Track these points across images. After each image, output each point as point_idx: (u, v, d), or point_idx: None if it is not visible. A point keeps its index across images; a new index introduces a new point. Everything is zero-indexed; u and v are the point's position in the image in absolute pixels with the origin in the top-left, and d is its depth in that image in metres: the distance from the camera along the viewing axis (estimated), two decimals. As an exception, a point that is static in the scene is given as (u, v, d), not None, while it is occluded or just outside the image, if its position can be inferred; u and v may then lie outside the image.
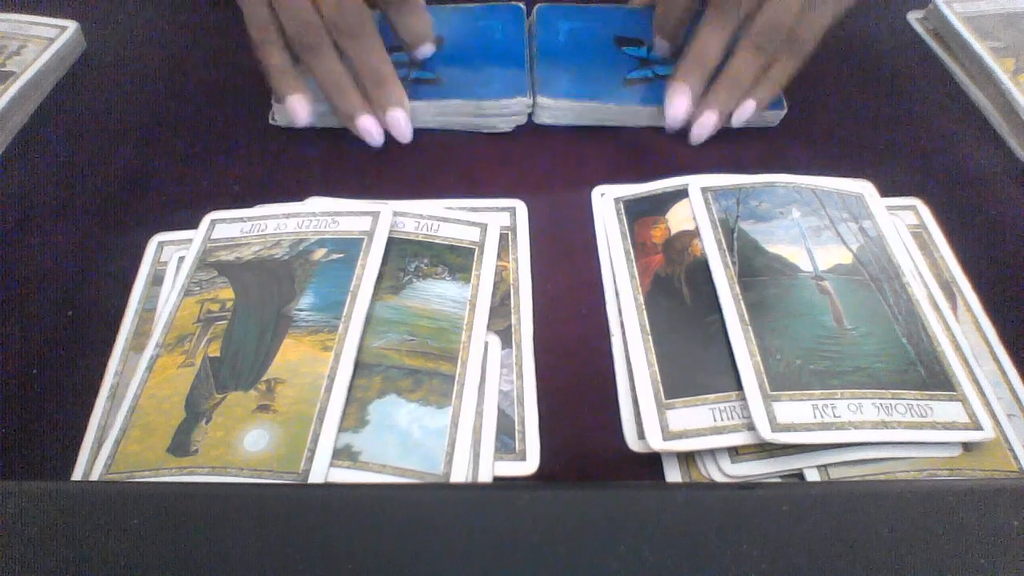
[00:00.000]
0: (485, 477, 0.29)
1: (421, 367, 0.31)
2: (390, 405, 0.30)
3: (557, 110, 0.43)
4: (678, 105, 0.39)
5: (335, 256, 0.35)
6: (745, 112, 0.40)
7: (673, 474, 0.30)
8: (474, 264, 0.35)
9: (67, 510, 0.21)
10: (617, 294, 0.35)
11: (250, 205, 0.38)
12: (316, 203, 0.38)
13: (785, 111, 0.43)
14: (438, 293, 0.34)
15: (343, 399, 0.30)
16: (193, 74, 0.49)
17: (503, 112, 0.42)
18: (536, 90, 0.42)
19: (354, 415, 0.30)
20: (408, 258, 0.36)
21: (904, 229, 0.37)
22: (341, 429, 0.29)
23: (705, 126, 0.40)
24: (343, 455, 0.29)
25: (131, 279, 0.36)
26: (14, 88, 0.43)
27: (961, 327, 0.34)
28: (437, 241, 0.36)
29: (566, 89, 0.43)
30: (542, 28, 0.47)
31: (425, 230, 0.37)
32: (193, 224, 0.37)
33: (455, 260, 0.36)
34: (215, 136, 0.44)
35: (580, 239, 0.38)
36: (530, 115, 0.43)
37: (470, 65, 0.44)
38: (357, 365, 0.31)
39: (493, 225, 0.37)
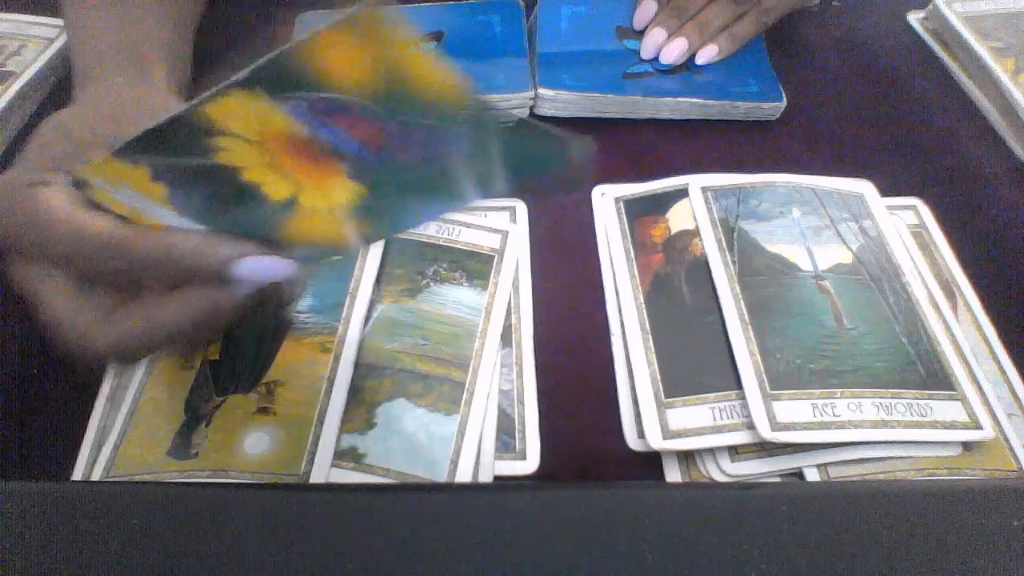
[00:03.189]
0: (485, 476, 0.29)
1: (432, 372, 0.31)
2: (398, 409, 0.30)
3: (558, 102, 0.43)
4: (656, 35, 0.45)
5: (334, 257, 0.35)
6: (707, 54, 0.44)
7: (673, 473, 0.30)
8: (492, 271, 0.35)
9: (67, 510, 0.21)
10: (617, 293, 0.35)
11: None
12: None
13: (784, 105, 0.43)
14: (455, 299, 0.34)
15: (343, 401, 0.30)
16: (192, 73, 0.49)
17: (505, 106, 0.42)
18: (537, 82, 0.43)
19: (361, 417, 0.30)
20: (427, 262, 0.35)
21: (904, 229, 0.37)
22: (347, 430, 0.29)
23: (673, 50, 0.44)
24: (348, 456, 0.29)
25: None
26: (14, 88, 0.43)
27: (961, 327, 0.34)
28: (457, 246, 0.36)
29: (567, 81, 0.43)
30: (544, 12, 0.47)
31: (446, 234, 0.37)
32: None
33: (474, 266, 0.35)
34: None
35: (580, 239, 0.38)
36: (531, 108, 0.43)
37: (471, 60, 0.44)
38: (368, 366, 0.31)
39: (514, 232, 0.37)
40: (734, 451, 0.30)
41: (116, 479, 0.28)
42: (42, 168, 0.27)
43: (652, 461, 0.30)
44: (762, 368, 0.30)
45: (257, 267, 0.25)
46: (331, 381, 0.30)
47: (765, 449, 0.29)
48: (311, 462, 0.28)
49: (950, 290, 0.35)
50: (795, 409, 0.29)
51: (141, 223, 0.26)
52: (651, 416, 0.30)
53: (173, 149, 0.23)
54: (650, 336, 0.33)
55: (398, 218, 0.28)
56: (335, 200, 0.24)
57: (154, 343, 0.26)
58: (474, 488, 0.27)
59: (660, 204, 0.38)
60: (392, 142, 0.22)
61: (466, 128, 0.22)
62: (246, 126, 0.22)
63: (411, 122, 0.21)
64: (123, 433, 0.30)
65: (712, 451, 0.30)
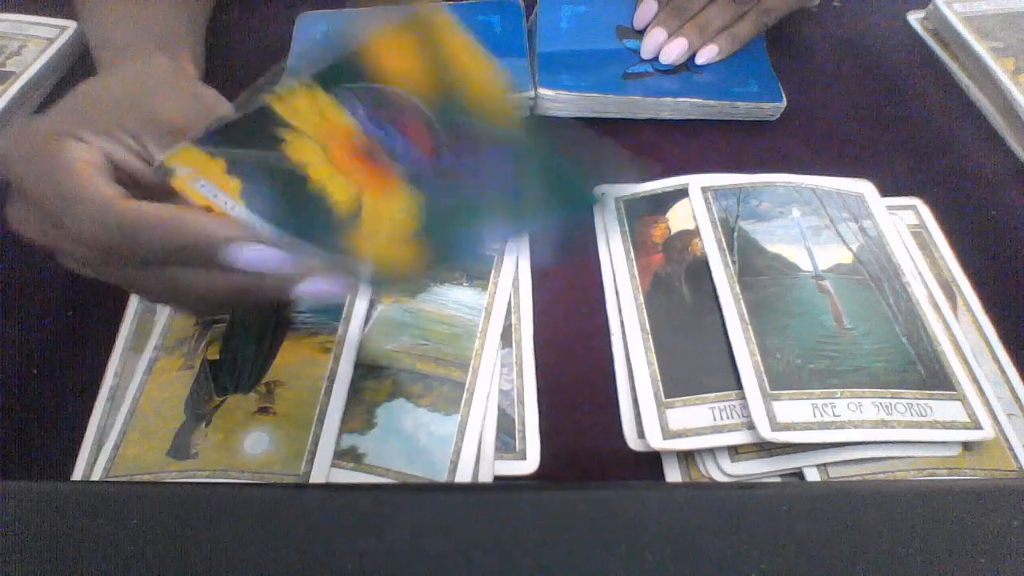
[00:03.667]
0: (485, 476, 0.29)
1: (432, 372, 0.31)
2: (398, 409, 0.30)
3: (558, 102, 0.43)
4: (656, 35, 0.44)
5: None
6: (707, 54, 0.44)
7: (673, 473, 0.30)
8: (492, 271, 0.35)
9: (67, 510, 0.21)
10: (617, 293, 0.35)
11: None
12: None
13: (784, 105, 0.43)
14: (455, 299, 0.34)
15: (343, 401, 0.30)
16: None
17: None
18: (537, 82, 0.43)
19: (361, 417, 0.30)
20: None
21: (904, 229, 0.37)
22: (347, 430, 0.29)
23: (673, 50, 0.44)
24: (348, 456, 0.29)
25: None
26: (14, 88, 0.43)
27: (961, 327, 0.34)
28: None
29: (567, 81, 0.43)
30: (545, 12, 0.47)
31: None
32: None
33: (475, 266, 0.35)
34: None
35: (580, 239, 0.38)
36: (531, 108, 0.43)
37: None
38: (367, 366, 0.31)
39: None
40: (734, 451, 0.30)
41: (116, 479, 0.28)
42: (79, 120, 0.27)
43: (652, 461, 0.30)
44: (762, 368, 0.30)
45: (256, 256, 0.25)
46: (331, 381, 0.30)
47: (765, 449, 0.29)
48: (311, 462, 0.28)
49: (950, 290, 0.35)
50: (795, 409, 0.29)
51: (221, 215, 0.26)
52: (651, 416, 0.30)
53: (245, 139, 0.23)
54: (650, 336, 0.33)
55: (457, 244, 0.26)
56: (396, 212, 0.24)
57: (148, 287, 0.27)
58: (474, 488, 0.27)
59: (660, 204, 0.38)
60: (446, 152, 0.23)
61: (519, 146, 0.22)
62: (309, 121, 0.22)
63: (465, 131, 0.22)
64: (123, 433, 0.30)
65: (712, 451, 0.30)
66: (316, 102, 0.22)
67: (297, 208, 0.25)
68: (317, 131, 0.23)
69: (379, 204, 0.24)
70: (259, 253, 0.25)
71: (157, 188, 0.26)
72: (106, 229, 0.24)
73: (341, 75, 0.21)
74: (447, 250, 0.26)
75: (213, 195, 0.25)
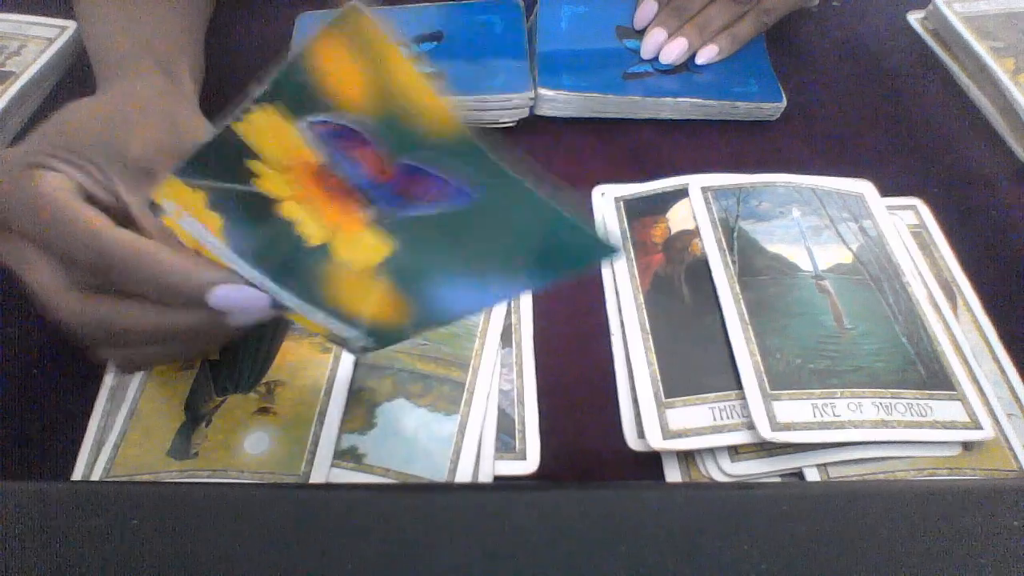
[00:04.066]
0: (485, 476, 0.29)
1: (432, 372, 0.31)
2: (398, 409, 0.30)
3: (558, 102, 0.43)
4: (656, 35, 0.44)
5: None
6: (707, 54, 0.44)
7: (673, 473, 0.30)
8: None
9: (67, 510, 0.21)
10: (617, 293, 0.35)
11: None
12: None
13: (784, 105, 0.43)
14: None
15: (343, 400, 0.30)
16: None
17: (505, 106, 0.42)
18: (537, 82, 0.43)
19: (361, 417, 0.30)
20: None
21: (904, 229, 0.37)
22: (347, 430, 0.29)
23: (673, 50, 0.44)
24: (348, 456, 0.29)
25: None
26: (14, 88, 0.43)
27: (961, 327, 0.34)
28: None
29: (567, 81, 0.43)
30: (545, 12, 0.47)
31: None
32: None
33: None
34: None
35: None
36: (531, 108, 0.43)
37: (471, 60, 0.44)
38: (368, 366, 0.31)
39: None
40: (734, 451, 0.30)
41: (116, 479, 0.28)
42: (47, 151, 0.27)
43: (652, 461, 0.30)
44: (762, 368, 0.30)
45: (234, 296, 0.25)
46: (331, 381, 0.30)
47: (765, 449, 0.29)
48: (311, 462, 0.28)
49: (950, 290, 0.35)
50: (795, 409, 0.29)
51: (207, 257, 0.25)
52: (651, 416, 0.30)
53: (216, 171, 0.22)
54: (650, 336, 0.33)
55: (434, 294, 0.24)
56: (365, 252, 0.23)
57: (120, 340, 0.27)
58: (474, 488, 0.27)
59: (660, 204, 0.38)
60: (402, 181, 0.20)
61: (475, 175, 0.19)
62: (275, 150, 0.21)
63: (417, 156, 0.19)
64: (123, 433, 0.30)
65: (712, 451, 0.30)
66: (274, 121, 0.20)
67: (275, 249, 0.24)
68: (279, 155, 0.21)
69: (348, 247, 0.23)
70: (240, 293, 0.25)
71: (124, 219, 0.27)
72: (97, 254, 0.25)
73: (291, 87, 0.19)
74: (427, 306, 0.24)
75: (199, 235, 0.25)
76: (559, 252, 0.20)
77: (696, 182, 0.38)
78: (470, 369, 0.31)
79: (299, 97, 0.19)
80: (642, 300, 0.34)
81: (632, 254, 0.36)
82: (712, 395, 0.30)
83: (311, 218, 0.23)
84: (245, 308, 0.26)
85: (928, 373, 0.31)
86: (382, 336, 0.27)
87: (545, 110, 0.43)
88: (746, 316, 0.32)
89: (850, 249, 0.35)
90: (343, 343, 0.28)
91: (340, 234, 0.23)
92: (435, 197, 0.20)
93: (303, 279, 0.25)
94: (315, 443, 0.29)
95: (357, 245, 0.23)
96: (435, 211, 0.21)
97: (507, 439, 0.30)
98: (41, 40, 0.47)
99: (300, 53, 0.18)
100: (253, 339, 0.32)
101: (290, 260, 0.24)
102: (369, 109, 0.19)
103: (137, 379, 0.31)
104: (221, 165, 0.22)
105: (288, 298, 0.25)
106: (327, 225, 0.23)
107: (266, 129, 0.20)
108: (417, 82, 0.18)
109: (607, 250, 0.20)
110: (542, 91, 0.42)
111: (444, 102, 0.18)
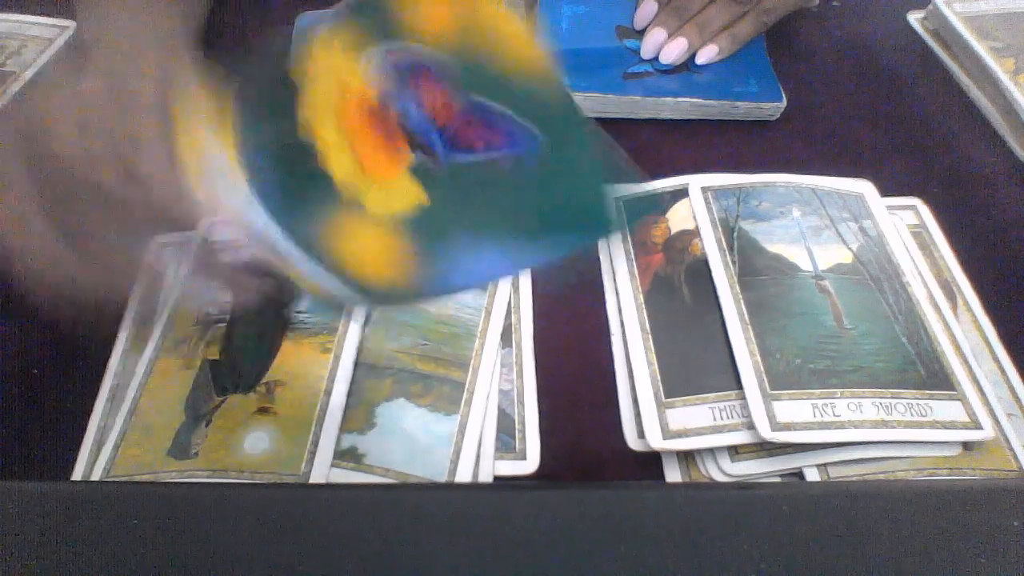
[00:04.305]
0: (485, 476, 0.29)
1: (432, 372, 0.31)
2: (398, 409, 0.30)
3: None
4: (656, 35, 0.44)
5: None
6: (707, 54, 0.44)
7: (673, 473, 0.30)
8: None
9: (67, 510, 0.21)
10: (617, 293, 0.35)
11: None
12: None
13: (784, 105, 0.43)
14: (456, 298, 0.34)
15: (343, 401, 0.30)
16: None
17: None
18: None
19: (361, 417, 0.30)
20: None
21: (904, 229, 0.37)
22: (347, 430, 0.29)
23: (673, 49, 0.44)
24: (348, 456, 0.29)
25: (131, 280, 0.36)
26: (14, 88, 0.43)
27: (961, 327, 0.34)
28: None
29: (567, 81, 0.43)
30: (545, 12, 0.47)
31: None
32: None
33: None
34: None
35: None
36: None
37: None
38: (368, 366, 0.31)
39: None
40: (734, 451, 0.30)
41: (116, 479, 0.28)
42: None
43: (652, 461, 0.30)
44: (762, 368, 0.30)
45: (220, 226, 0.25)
46: (331, 381, 0.30)
47: (765, 449, 0.29)
48: (311, 462, 0.28)
49: (950, 290, 0.35)
50: (795, 409, 0.29)
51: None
52: (651, 416, 0.30)
53: (262, 104, 0.22)
54: (650, 336, 0.33)
55: (446, 256, 0.23)
56: (396, 199, 0.22)
57: None
58: (474, 488, 0.27)
59: (660, 204, 0.38)
60: (466, 126, 0.20)
61: (556, 132, 0.19)
62: (328, 81, 0.20)
63: (491, 104, 0.19)
64: (123, 433, 0.30)
65: (712, 451, 0.30)
66: (342, 61, 0.19)
67: (300, 188, 0.23)
68: (335, 94, 0.20)
69: (382, 193, 0.22)
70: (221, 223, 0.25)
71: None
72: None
73: (373, 11, 0.19)
74: (442, 271, 0.24)
75: (221, 174, 0.24)
76: (581, 218, 0.21)
77: (696, 182, 0.38)
78: (470, 369, 0.31)
79: (381, 19, 0.19)
80: (642, 300, 0.34)
81: (632, 254, 0.36)
82: (712, 395, 0.30)
83: (351, 161, 0.22)
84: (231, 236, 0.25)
85: (928, 373, 0.31)
86: (377, 297, 0.26)
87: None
88: (746, 316, 0.32)
89: (850, 249, 0.35)
90: (332, 301, 0.27)
91: (375, 179, 0.23)
92: (494, 141, 0.20)
93: (312, 229, 0.24)
94: (315, 443, 0.29)
95: (389, 191, 0.22)
96: (485, 158, 0.21)
97: (507, 439, 0.30)
98: (41, 40, 0.47)
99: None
100: (253, 339, 0.32)
101: (312, 200, 0.24)
102: (449, 44, 0.19)
103: (137, 379, 0.31)
104: (265, 97, 0.22)
105: (286, 246, 0.25)
106: (366, 170, 0.22)
107: (323, 59, 0.20)
108: (511, 23, 0.18)
109: (614, 227, 0.22)
110: (542, 91, 0.42)
111: (536, 44, 0.18)
